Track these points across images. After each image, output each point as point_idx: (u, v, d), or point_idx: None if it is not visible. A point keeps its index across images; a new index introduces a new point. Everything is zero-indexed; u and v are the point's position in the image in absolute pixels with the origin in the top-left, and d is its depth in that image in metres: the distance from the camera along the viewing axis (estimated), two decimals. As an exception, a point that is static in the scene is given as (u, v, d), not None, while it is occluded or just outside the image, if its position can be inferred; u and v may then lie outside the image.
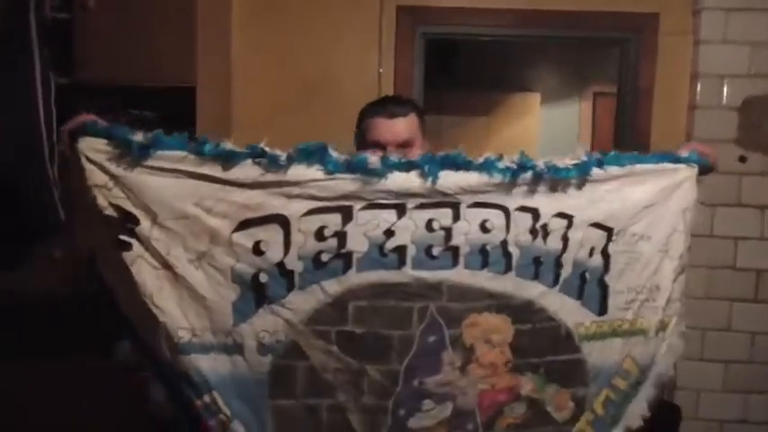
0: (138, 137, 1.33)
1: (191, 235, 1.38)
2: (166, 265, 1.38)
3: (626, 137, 2.82)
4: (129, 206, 1.35)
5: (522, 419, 1.53)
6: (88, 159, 1.34)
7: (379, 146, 1.64)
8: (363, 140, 1.71)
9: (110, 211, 1.35)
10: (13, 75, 1.99)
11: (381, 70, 2.76)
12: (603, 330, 1.56)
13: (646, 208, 1.55)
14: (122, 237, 1.36)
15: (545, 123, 5.26)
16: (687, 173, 1.58)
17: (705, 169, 1.61)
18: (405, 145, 1.65)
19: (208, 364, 1.41)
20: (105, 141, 1.34)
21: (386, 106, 1.72)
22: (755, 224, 2.68)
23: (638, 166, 1.54)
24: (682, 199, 1.58)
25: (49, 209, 2.02)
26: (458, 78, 5.02)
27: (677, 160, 1.58)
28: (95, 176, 1.34)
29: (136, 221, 1.36)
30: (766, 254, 2.69)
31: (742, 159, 2.65)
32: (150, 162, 1.34)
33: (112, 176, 1.34)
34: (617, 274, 1.55)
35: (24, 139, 2.00)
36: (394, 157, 1.43)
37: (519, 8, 2.77)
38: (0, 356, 2.14)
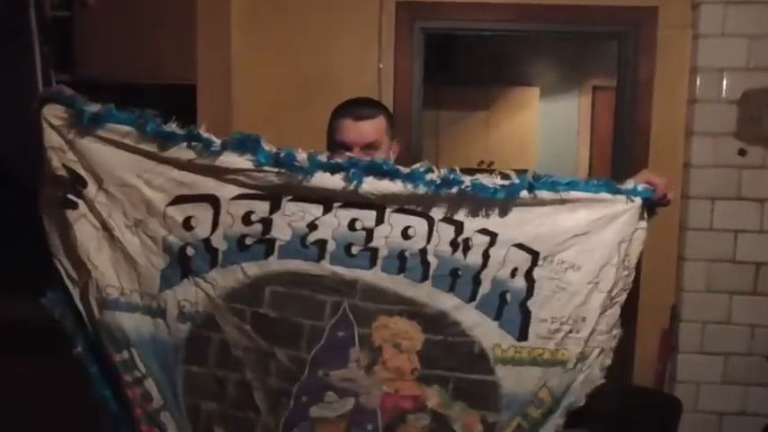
0: (93, 107, 1.43)
1: (130, 203, 1.47)
2: (106, 227, 1.48)
3: (625, 131, 2.83)
4: (79, 169, 1.45)
5: None
6: (48, 123, 1.44)
7: (345, 147, 1.67)
8: (331, 141, 1.74)
9: (62, 172, 1.45)
10: (14, 73, 2.00)
11: (381, 66, 2.76)
12: (522, 357, 1.54)
13: (576, 236, 1.52)
14: (70, 196, 1.47)
15: (544, 118, 5.27)
16: (626, 207, 1.53)
17: (653, 202, 1.56)
18: (370, 147, 1.68)
19: (131, 323, 1.50)
20: (64, 108, 1.44)
21: (353, 108, 1.74)
22: (755, 217, 2.69)
23: (572, 194, 1.51)
24: (618, 232, 1.53)
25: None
26: (457, 73, 5.03)
27: (617, 191, 1.53)
28: (53, 139, 1.45)
29: (84, 184, 1.46)
30: (766, 247, 2.69)
31: (741, 152, 2.66)
32: (100, 132, 1.44)
33: (67, 141, 1.45)
34: (541, 301, 1.53)
35: (26, 136, 2.00)
36: (322, 156, 1.45)
37: (518, 3, 2.78)
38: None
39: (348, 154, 1.57)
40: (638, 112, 2.79)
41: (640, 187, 1.54)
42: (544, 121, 5.27)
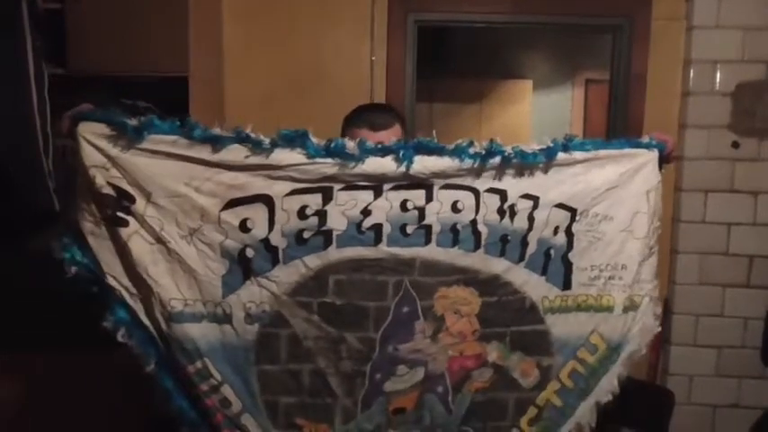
0: (133, 121, 1.42)
1: (182, 212, 1.48)
2: (160, 241, 1.48)
3: (618, 123, 2.82)
4: (125, 185, 1.45)
5: (490, 383, 1.64)
6: (87, 141, 1.43)
7: None
8: None
9: (107, 190, 1.45)
10: (6, 66, 1.97)
11: (374, 58, 2.75)
12: (567, 304, 1.66)
13: (608, 190, 1.63)
14: (119, 214, 1.46)
15: (537, 110, 5.26)
16: (648, 156, 1.65)
17: (662, 156, 1.67)
18: None
19: (199, 332, 1.52)
20: (103, 125, 1.43)
21: (369, 117, 1.76)
22: (748, 210, 2.70)
23: (602, 151, 1.62)
24: (644, 181, 1.65)
25: (43, 200, 2.01)
26: (450, 66, 5.02)
27: (638, 145, 1.65)
28: (94, 157, 1.44)
29: (132, 200, 1.46)
30: (759, 239, 2.71)
31: (735, 145, 2.66)
32: (144, 144, 1.43)
33: (109, 157, 1.44)
34: (580, 252, 1.64)
35: (18, 130, 1.99)
36: (370, 142, 1.50)
37: (511, -5, 2.76)
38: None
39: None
40: (631, 105, 2.78)
41: (654, 140, 1.66)
42: (537, 114, 5.26)
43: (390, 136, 1.71)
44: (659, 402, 2.60)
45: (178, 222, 1.48)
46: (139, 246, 1.48)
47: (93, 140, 1.43)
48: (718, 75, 2.66)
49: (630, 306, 1.68)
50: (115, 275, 1.51)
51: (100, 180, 1.44)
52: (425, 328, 1.58)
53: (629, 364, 1.71)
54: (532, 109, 5.25)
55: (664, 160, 1.68)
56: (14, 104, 1.99)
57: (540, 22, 2.93)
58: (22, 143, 2.01)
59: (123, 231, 1.47)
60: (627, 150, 1.64)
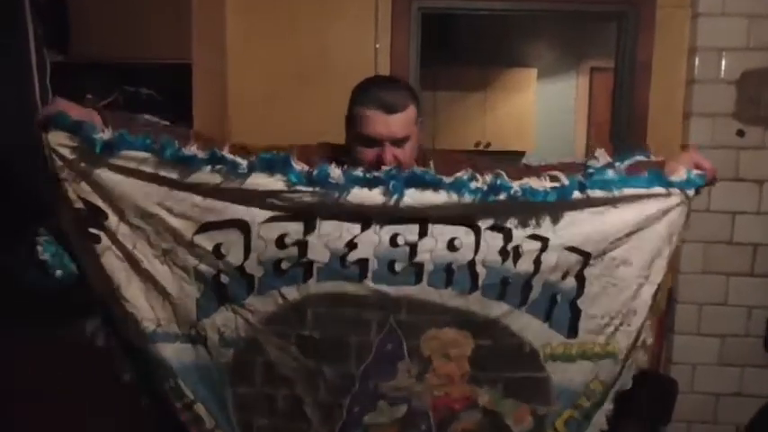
0: (104, 135, 1.32)
1: (155, 233, 1.40)
2: (132, 259, 1.41)
3: (623, 112, 2.81)
4: (96, 201, 1.37)
5: (478, 427, 1.53)
6: (56, 153, 1.33)
7: (373, 140, 1.51)
8: (355, 129, 1.54)
9: (79, 204, 1.36)
10: (8, 53, 1.97)
11: (378, 46, 2.73)
12: (572, 353, 1.53)
13: (629, 234, 1.47)
14: (91, 230, 1.38)
15: (541, 99, 5.24)
16: (680, 198, 1.48)
17: (702, 186, 1.51)
18: (402, 141, 1.52)
19: (173, 353, 1.46)
20: (71, 136, 1.33)
21: (383, 97, 1.51)
22: (753, 198, 2.68)
23: (625, 191, 1.44)
24: (671, 224, 1.49)
25: (44, 188, 2.01)
26: (454, 54, 5.00)
27: (670, 184, 1.47)
28: (63, 171, 1.34)
29: (104, 216, 1.38)
30: (763, 228, 2.69)
31: (740, 133, 2.64)
32: (114, 161, 1.34)
33: (79, 171, 1.35)
34: (591, 298, 1.51)
35: (21, 118, 1.99)
36: (358, 171, 1.37)
37: (516, -18, 2.75)
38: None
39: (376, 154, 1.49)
40: (636, 93, 2.77)
41: (693, 175, 1.48)
42: (541, 103, 5.24)
43: (405, 121, 1.52)
44: (662, 391, 2.60)
45: (151, 243, 1.40)
46: (112, 263, 1.40)
47: (62, 152, 1.33)
48: (724, 63, 2.64)
49: (633, 350, 1.58)
50: (95, 287, 1.45)
51: (72, 194, 1.35)
52: (410, 368, 1.48)
53: (614, 402, 1.62)
54: (537, 97, 5.23)
55: (703, 186, 1.51)
56: (16, 92, 1.99)
57: (544, 10, 2.91)
58: (24, 131, 2.00)
59: (97, 247, 1.39)
60: (657, 189, 1.45)
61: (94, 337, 1.49)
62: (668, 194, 1.47)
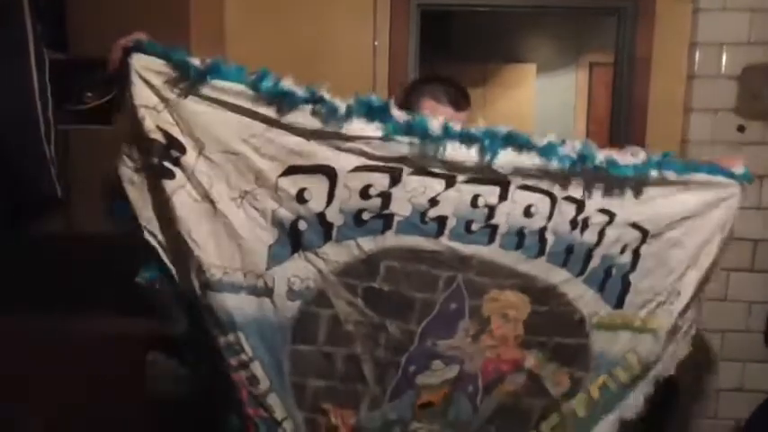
0: (196, 61, 1.28)
1: (236, 172, 1.36)
2: (208, 199, 1.36)
3: (623, 107, 2.80)
4: (176, 133, 1.31)
5: (521, 389, 1.59)
6: (141, 78, 1.28)
7: None
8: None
9: (156, 135, 1.31)
10: (7, 51, 1.97)
11: (376, 43, 2.73)
12: (615, 322, 1.59)
13: (687, 217, 1.55)
14: (166, 163, 1.33)
15: (541, 94, 5.24)
16: (735, 189, 1.60)
17: (752, 181, 1.64)
18: None
19: (236, 304, 1.41)
20: (162, 62, 1.29)
21: (454, 94, 1.66)
22: (753, 194, 2.67)
23: (694, 176, 1.54)
24: (724, 213, 1.59)
25: (46, 186, 2.01)
26: (453, 50, 4.99)
27: (731, 175, 1.59)
28: (146, 96, 1.29)
29: (182, 150, 1.32)
30: (764, 223, 2.69)
31: (740, 129, 2.64)
32: (205, 91, 1.29)
33: (164, 99, 1.30)
34: (642, 274, 1.57)
35: (20, 115, 1.98)
36: (456, 124, 1.39)
37: (515, -23, 2.74)
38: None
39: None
40: (635, 89, 2.76)
41: (748, 171, 1.60)
42: (541, 98, 5.24)
43: (465, 120, 1.63)
44: (663, 386, 2.60)
45: (230, 182, 1.35)
46: (184, 202, 1.34)
47: (148, 77, 1.28)
48: (725, 57, 2.63)
49: (672, 332, 1.64)
50: (152, 230, 1.39)
51: (149, 123, 1.29)
52: (469, 328, 1.51)
53: (657, 384, 1.67)
54: (536, 93, 5.23)
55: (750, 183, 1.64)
56: (16, 91, 1.99)
57: (543, 5, 2.90)
58: (23, 129, 2.00)
59: (168, 184, 1.33)
60: (719, 179, 1.57)
61: (150, 289, 1.41)
62: (727, 185, 1.58)
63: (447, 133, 1.36)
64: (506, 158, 1.39)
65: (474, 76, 5.16)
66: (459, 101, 1.64)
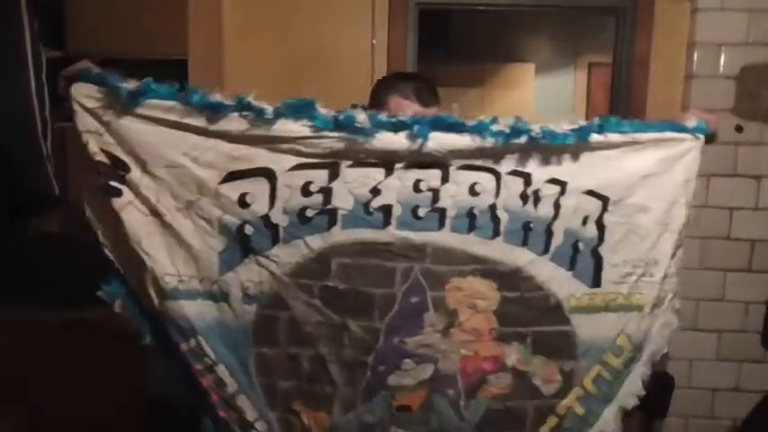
0: (129, 84, 1.34)
1: (179, 184, 1.40)
2: (155, 213, 1.41)
3: (621, 107, 2.80)
4: (119, 153, 1.37)
5: (508, 390, 1.53)
6: (80, 105, 1.35)
7: None
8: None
9: (101, 157, 1.37)
10: (3, 48, 1.96)
11: (374, 42, 2.72)
12: (595, 304, 1.53)
13: (644, 178, 1.50)
14: (113, 183, 1.39)
15: (539, 94, 5.25)
16: (692, 143, 1.52)
17: (709, 139, 1.55)
18: None
19: (194, 310, 1.44)
20: (97, 88, 1.36)
21: (420, 92, 1.64)
22: (751, 194, 2.68)
23: (641, 135, 1.48)
24: (685, 170, 1.53)
25: (42, 183, 2.01)
26: (452, 50, 4.99)
27: (683, 130, 1.52)
28: (87, 122, 1.36)
29: (126, 168, 1.38)
30: (761, 224, 2.69)
31: (738, 129, 2.64)
32: (140, 110, 1.35)
33: (103, 123, 1.37)
34: (612, 246, 1.52)
35: (16, 113, 1.98)
36: (383, 115, 1.40)
37: (514, -23, 2.74)
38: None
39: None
40: (634, 89, 2.76)
41: (702, 123, 1.53)
42: (540, 98, 5.24)
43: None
44: (659, 386, 2.60)
45: (174, 194, 1.40)
46: (133, 217, 1.40)
47: (87, 104, 1.35)
48: (723, 58, 2.63)
49: (657, 303, 1.57)
50: (110, 246, 1.45)
51: (93, 146, 1.36)
52: (436, 322, 1.47)
53: (651, 364, 1.61)
54: (535, 93, 5.23)
55: (708, 142, 1.55)
56: (12, 88, 1.98)
57: (542, 5, 2.90)
58: (20, 127, 1.99)
59: (116, 202, 1.39)
60: (669, 134, 1.51)
61: (112, 304, 1.47)
62: (681, 140, 1.52)
63: (374, 123, 1.37)
64: (438, 142, 1.39)
65: (472, 76, 5.16)
66: (427, 97, 1.62)
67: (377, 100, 1.67)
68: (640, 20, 2.73)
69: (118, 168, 1.38)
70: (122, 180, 1.38)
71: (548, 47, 5.30)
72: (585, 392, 1.56)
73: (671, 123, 1.52)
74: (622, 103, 2.80)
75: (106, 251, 1.45)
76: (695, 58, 2.65)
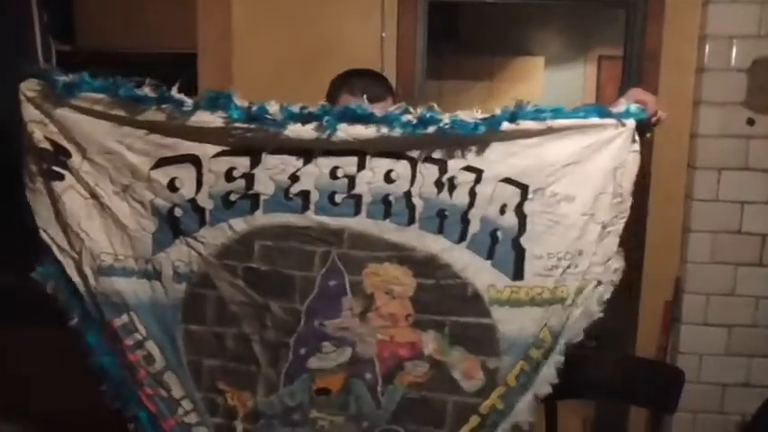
0: (65, 77, 1.43)
1: (115, 169, 1.48)
2: (94, 196, 1.50)
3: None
4: (61, 140, 1.46)
5: (425, 380, 1.54)
6: (25, 97, 1.44)
7: None
8: None
9: (45, 144, 1.46)
10: (14, 42, 1.97)
11: (384, 35, 2.72)
12: (519, 297, 1.52)
13: (567, 166, 1.48)
14: (55, 168, 1.47)
15: (549, 88, 5.21)
16: (618, 130, 1.47)
17: (644, 123, 1.49)
18: None
19: (128, 287, 1.52)
20: (38, 81, 1.44)
21: (363, 86, 1.67)
22: (762, 188, 2.66)
23: (558, 122, 1.46)
24: (612, 157, 1.48)
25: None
26: (460, 43, 4.97)
27: (608, 114, 1.48)
28: (31, 112, 1.45)
29: (68, 155, 1.47)
30: (772, 218, 2.68)
31: (750, 122, 2.62)
32: (75, 102, 1.44)
33: (45, 113, 1.45)
34: (535, 237, 1.50)
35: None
36: (295, 107, 1.43)
37: (524, -31, 2.73)
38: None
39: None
40: (644, 82, 2.73)
41: (633, 108, 1.48)
42: (549, 92, 5.21)
43: (383, 108, 1.58)
44: (669, 381, 2.59)
45: (111, 179, 1.48)
46: (74, 200, 1.49)
47: (30, 95, 1.44)
48: (734, 50, 2.61)
49: (577, 293, 1.54)
50: (48, 230, 1.52)
51: (38, 135, 1.45)
52: (353, 306, 1.51)
53: (564, 351, 1.57)
54: (544, 86, 5.20)
55: (648, 125, 1.50)
56: (20, 80, 1.99)
57: (552, -2, 2.89)
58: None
59: (58, 185, 1.48)
60: (593, 120, 1.47)
61: (44, 284, 1.54)
62: (605, 126, 1.48)
63: (285, 115, 1.41)
64: (347, 131, 1.42)
65: (482, 69, 5.14)
66: (375, 92, 1.63)
67: (330, 99, 1.74)
68: (651, 12, 2.71)
69: (60, 155, 1.47)
70: (64, 165, 1.47)
71: (557, 40, 5.26)
72: (507, 388, 1.55)
73: (597, 108, 1.49)
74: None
75: (43, 234, 1.52)
76: (706, 50, 2.63)
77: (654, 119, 1.51)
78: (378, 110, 1.54)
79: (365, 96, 1.54)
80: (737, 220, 2.69)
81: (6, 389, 2.28)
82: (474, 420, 1.56)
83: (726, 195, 2.67)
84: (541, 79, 5.19)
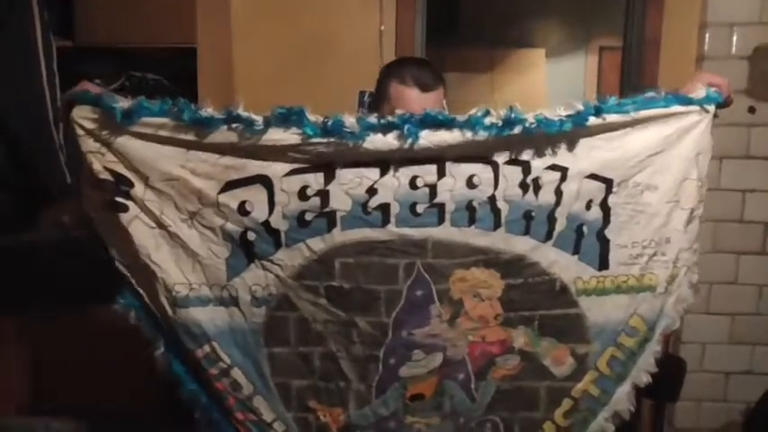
0: (123, 104, 1.37)
1: (180, 196, 1.43)
2: (161, 225, 1.45)
3: (632, 91, 2.77)
4: (122, 169, 1.41)
5: (517, 371, 1.54)
6: (80, 127, 1.39)
7: None
8: (389, 104, 1.63)
9: (105, 175, 1.41)
10: (15, 39, 1.97)
11: (383, 28, 2.71)
12: (605, 286, 1.52)
13: (651, 156, 1.46)
14: (118, 199, 1.42)
15: (550, 79, 5.20)
16: (700, 115, 1.46)
17: (722, 105, 1.48)
18: None
19: (206, 316, 1.48)
20: (93, 109, 1.38)
21: (418, 77, 1.63)
22: (764, 176, 2.66)
23: (642, 113, 1.43)
24: (694, 143, 1.47)
25: (55, 173, 2.03)
26: (460, 35, 4.96)
27: (690, 102, 1.45)
28: (88, 143, 1.40)
29: (130, 184, 1.42)
30: (775, 206, 2.67)
31: (751, 110, 2.61)
32: (135, 128, 1.38)
33: (104, 142, 1.40)
34: (618, 228, 1.49)
35: (28, 103, 1.99)
36: (372, 118, 1.39)
37: (523, -40, 2.72)
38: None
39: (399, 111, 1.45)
40: (645, 71, 2.73)
41: (712, 92, 1.46)
42: (550, 83, 5.20)
43: (437, 99, 1.62)
44: (671, 370, 2.59)
45: (177, 206, 1.44)
46: (141, 230, 1.44)
47: (86, 125, 1.39)
48: (735, 38, 2.60)
49: (671, 282, 1.54)
50: (122, 260, 1.49)
51: (97, 165, 1.40)
52: (442, 313, 1.49)
53: (664, 339, 1.59)
54: (545, 77, 5.19)
55: (720, 107, 1.49)
56: (24, 78, 2.00)
57: (552, -12, 2.88)
58: (32, 116, 2.01)
59: (123, 217, 1.43)
60: (675, 108, 1.45)
61: (127, 316, 1.51)
62: (687, 113, 1.46)
63: (363, 126, 1.37)
64: (429, 138, 1.38)
65: (482, 61, 5.13)
66: (426, 82, 1.62)
67: (380, 88, 1.70)
68: (651, 1, 2.70)
69: (122, 184, 1.42)
70: (127, 196, 1.43)
71: (558, 31, 5.25)
72: (600, 374, 1.56)
73: (677, 96, 1.46)
74: (633, 86, 2.77)
75: (118, 265, 1.49)
76: (707, 38, 2.63)
77: (728, 100, 1.51)
78: (433, 99, 1.56)
79: (417, 86, 1.55)
80: (739, 209, 2.69)
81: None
82: (567, 404, 1.56)
83: (728, 184, 2.66)
84: (543, 71, 5.18)
